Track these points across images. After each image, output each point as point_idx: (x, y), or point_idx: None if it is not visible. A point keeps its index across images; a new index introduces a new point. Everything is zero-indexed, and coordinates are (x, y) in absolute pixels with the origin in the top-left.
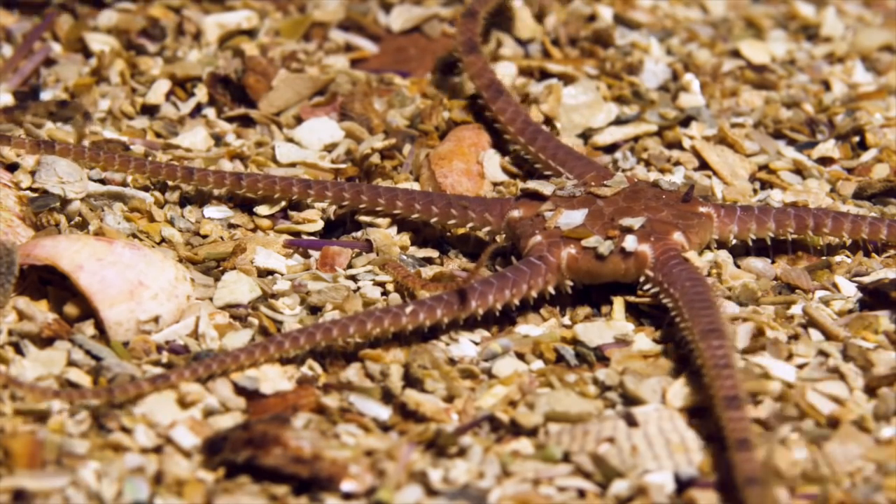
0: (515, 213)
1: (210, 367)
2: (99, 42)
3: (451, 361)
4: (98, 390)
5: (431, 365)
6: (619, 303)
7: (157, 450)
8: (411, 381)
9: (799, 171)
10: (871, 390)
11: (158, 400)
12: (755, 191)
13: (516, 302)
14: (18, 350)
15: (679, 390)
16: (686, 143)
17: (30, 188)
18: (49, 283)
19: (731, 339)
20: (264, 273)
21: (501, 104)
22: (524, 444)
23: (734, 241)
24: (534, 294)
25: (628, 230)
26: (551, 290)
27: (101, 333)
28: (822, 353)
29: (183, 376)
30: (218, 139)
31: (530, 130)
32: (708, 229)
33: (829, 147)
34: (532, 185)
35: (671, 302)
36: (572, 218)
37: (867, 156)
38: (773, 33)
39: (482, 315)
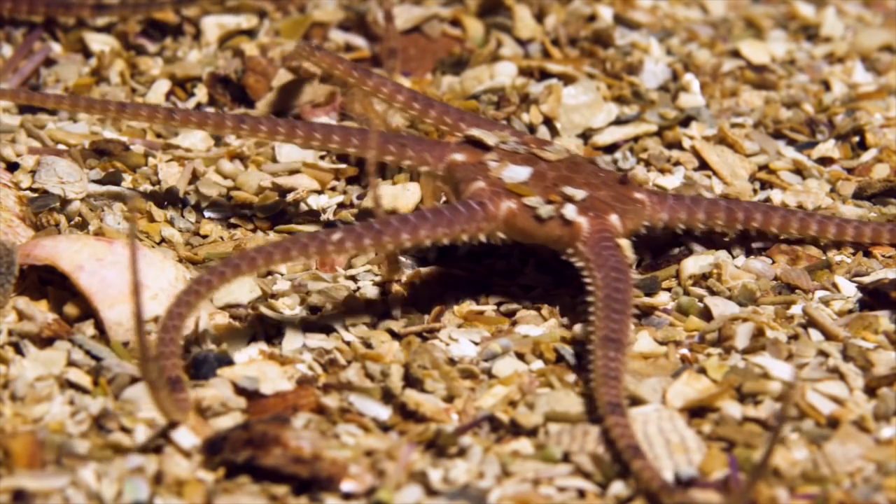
0: (458, 157)
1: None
2: (99, 42)
3: (451, 361)
4: None
5: (431, 365)
6: None
7: (157, 450)
8: (411, 381)
9: (799, 171)
10: (871, 390)
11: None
12: (755, 191)
13: (446, 241)
14: (18, 350)
15: (679, 390)
16: (686, 143)
17: (30, 188)
18: (49, 283)
19: (627, 350)
20: (264, 273)
21: (376, 81)
22: (524, 444)
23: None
24: (464, 238)
25: (570, 199)
26: (482, 238)
27: (101, 333)
28: (822, 353)
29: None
30: (218, 139)
31: (421, 100)
32: (641, 217)
33: (829, 147)
34: (476, 132)
35: (591, 282)
36: (517, 173)
37: (867, 156)
38: (773, 33)
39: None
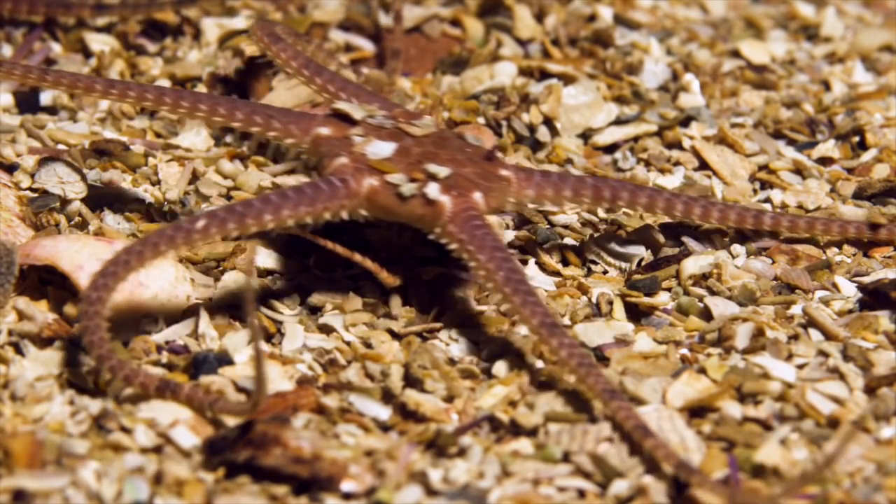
0: (323, 131)
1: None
2: (99, 42)
3: (451, 361)
4: None
5: (431, 365)
6: (619, 303)
7: (157, 450)
8: (411, 381)
9: (799, 171)
10: (871, 390)
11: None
12: (755, 191)
13: (309, 220)
14: (18, 350)
15: (679, 390)
16: (686, 143)
17: (30, 188)
18: (49, 283)
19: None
20: (264, 273)
21: (280, 47)
22: (524, 444)
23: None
24: (327, 216)
25: (433, 177)
26: (344, 215)
27: None
28: (822, 353)
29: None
30: (218, 139)
31: (313, 66)
32: (506, 194)
33: (829, 147)
34: (343, 106)
35: (477, 265)
36: (381, 149)
37: (867, 156)
38: (773, 33)
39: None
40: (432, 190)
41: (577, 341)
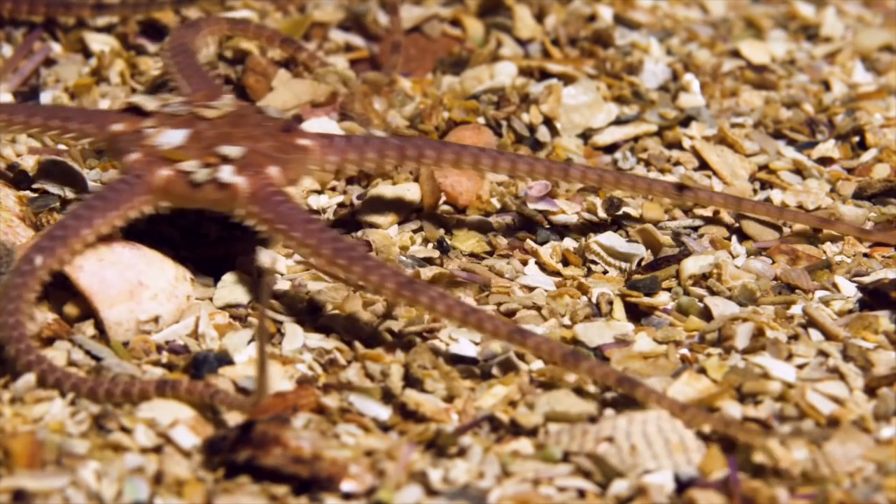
0: (117, 127)
1: None
2: (99, 42)
3: (451, 361)
4: None
5: (431, 365)
6: (619, 303)
7: (157, 450)
8: (411, 381)
9: (799, 171)
10: (871, 390)
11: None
12: (755, 191)
13: (120, 224)
14: None
15: (679, 390)
16: (686, 143)
17: (30, 188)
18: (49, 283)
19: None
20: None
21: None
22: (524, 444)
23: (334, 170)
24: (133, 216)
25: (226, 159)
26: (149, 210)
27: (101, 333)
28: (822, 353)
29: None
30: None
31: (178, 48)
32: (305, 163)
33: (829, 147)
34: (136, 98)
35: (295, 242)
36: (172, 138)
37: (867, 156)
38: (773, 33)
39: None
40: (225, 173)
41: (450, 294)
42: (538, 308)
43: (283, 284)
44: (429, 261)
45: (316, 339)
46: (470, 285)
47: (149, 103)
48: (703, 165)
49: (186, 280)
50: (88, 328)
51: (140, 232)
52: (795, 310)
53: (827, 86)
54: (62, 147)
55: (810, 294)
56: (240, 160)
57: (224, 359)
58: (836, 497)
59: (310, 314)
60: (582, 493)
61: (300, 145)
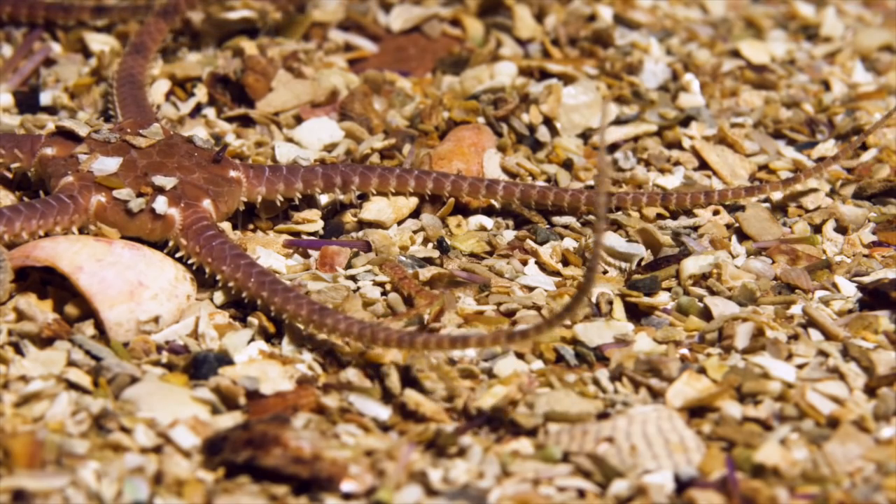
0: (48, 151)
1: None
2: (99, 42)
3: (451, 361)
4: None
5: (431, 365)
6: (618, 303)
7: (157, 450)
8: (411, 381)
9: (799, 170)
10: (871, 390)
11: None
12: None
13: (41, 233)
14: (18, 350)
15: (679, 390)
16: (686, 143)
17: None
18: (49, 283)
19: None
20: None
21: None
22: (524, 444)
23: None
24: (59, 230)
25: (160, 190)
26: (75, 229)
27: (101, 334)
28: (822, 353)
29: None
30: (218, 139)
31: (124, 76)
32: (236, 196)
33: (829, 147)
34: (66, 123)
35: (224, 277)
36: (106, 165)
37: (867, 156)
38: (773, 33)
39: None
40: (160, 204)
41: (355, 317)
42: (538, 308)
43: None
44: (429, 261)
45: (316, 340)
46: (470, 285)
47: (80, 129)
48: (703, 165)
49: (186, 280)
50: (88, 328)
51: None
52: (795, 310)
53: (827, 86)
54: None
55: (810, 294)
56: (172, 191)
57: (224, 359)
58: (836, 497)
59: None
60: (582, 493)
61: (230, 177)
